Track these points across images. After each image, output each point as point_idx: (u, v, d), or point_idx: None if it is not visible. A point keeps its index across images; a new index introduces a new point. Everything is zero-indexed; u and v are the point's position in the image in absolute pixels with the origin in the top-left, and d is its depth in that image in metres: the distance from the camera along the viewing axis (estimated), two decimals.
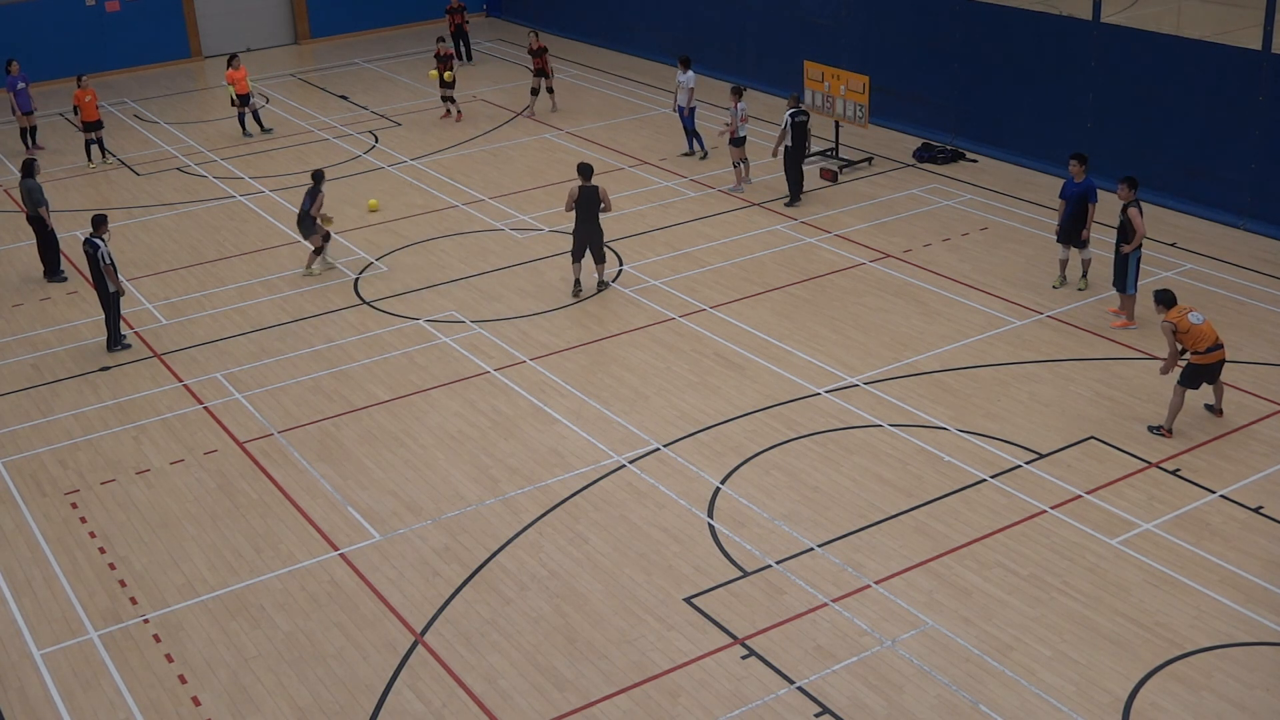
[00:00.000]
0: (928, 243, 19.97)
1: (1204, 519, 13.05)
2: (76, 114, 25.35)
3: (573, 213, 18.33)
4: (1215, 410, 14.79)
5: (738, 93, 21.97)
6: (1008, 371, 16.08)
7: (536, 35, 27.53)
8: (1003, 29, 23.23)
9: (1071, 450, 14.33)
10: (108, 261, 17.29)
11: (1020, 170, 22.94)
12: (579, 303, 18.41)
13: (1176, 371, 14.44)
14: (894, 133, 24.96)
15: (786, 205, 21.68)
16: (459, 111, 27.35)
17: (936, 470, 14.09)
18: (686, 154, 24.39)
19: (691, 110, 24.02)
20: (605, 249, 18.88)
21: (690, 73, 23.72)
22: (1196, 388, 14.46)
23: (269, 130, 27.17)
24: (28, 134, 26.47)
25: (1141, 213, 16.61)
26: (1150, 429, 14.57)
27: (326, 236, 19.67)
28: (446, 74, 27.01)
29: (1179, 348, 14.17)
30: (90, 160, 25.47)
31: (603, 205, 18.19)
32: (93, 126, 25.28)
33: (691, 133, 24.27)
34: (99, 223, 17.59)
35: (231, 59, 26.65)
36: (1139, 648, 11.36)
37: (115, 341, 17.68)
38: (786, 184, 21.87)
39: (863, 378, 16.06)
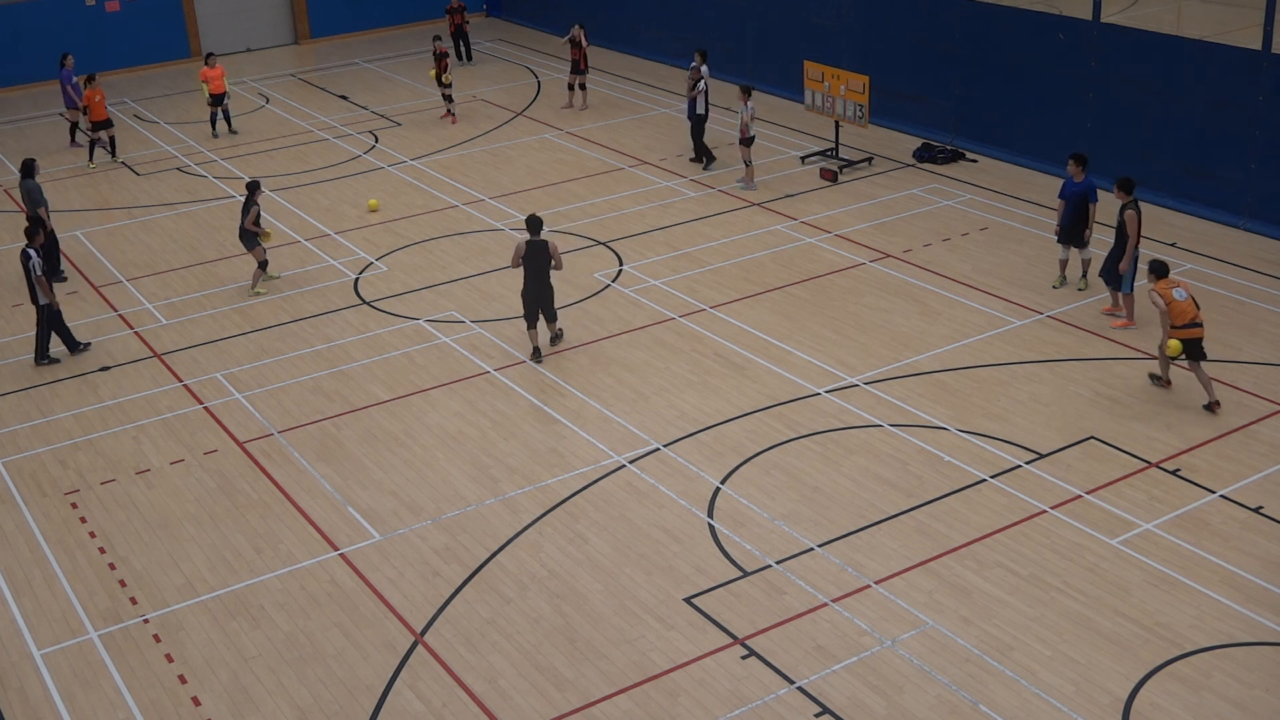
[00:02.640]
0: (928, 243, 19.97)
1: (1204, 519, 13.05)
2: (85, 113, 25.39)
3: (520, 269, 16.71)
4: (1211, 405, 14.81)
5: (746, 93, 22.05)
6: (1008, 371, 16.08)
7: (582, 29, 27.41)
8: (1003, 29, 23.23)
9: (1071, 450, 14.34)
10: (39, 273, 16.87)
11: (1020, 170, 22.94)
12: (579, 302, 18.41)
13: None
14: (894, 133, 24.96)
15: (705, 169, 23.55)
16: (454, 114, 27.33)
17: (936, 470, 14.09)
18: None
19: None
20: (556, 309, 17.01)
21: (704, 67, 23.86)
22: (1199, 359, 14.82)
23: (234, 133, 27.16)
24: (76, 130, 26.50)
25: (1140, 214, 16.58)
26: (1151, 377, 15.35)
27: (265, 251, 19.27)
28: (430, 71, 27.06)
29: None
30: (91, 160, 25.47)
31: (554, 263, 16.41)
32: (101, 125, 25.33)
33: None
34: (32, 232, 17.10)
35: (208, 57, 26.70)
36: (1139, 648, 11.36)
37: (44, 356, 17.37)
38: (695, 148, 23.73)
39: (863, 378, 16.06)
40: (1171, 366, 15.36)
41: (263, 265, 19.19)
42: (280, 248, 20.80)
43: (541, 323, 17.16)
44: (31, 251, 16.93)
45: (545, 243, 16.34)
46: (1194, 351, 14.73)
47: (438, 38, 27.88)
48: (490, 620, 12.12)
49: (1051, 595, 12.06)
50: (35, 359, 17.42)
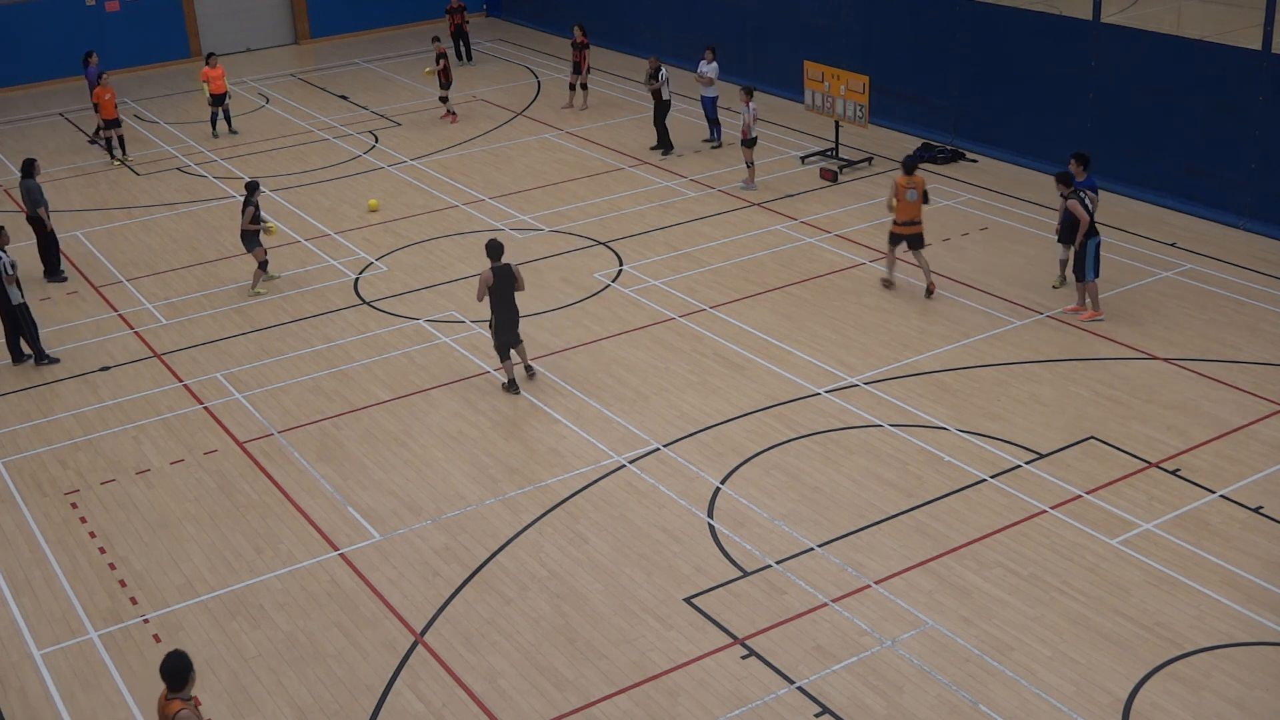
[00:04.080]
0: (928, 243, 19.94)
1: (1204, 519, 13.05)
2: (97, 111, 25.43)
3: (485, 300, 15.84)
4: (929, 289, 18.03)
5: (748, 94, 22.09)
6: (1008, 371, 16.08)
7: (582, 30, 27.42)
8: (1003, 29, 23.23)
9: (1071, 450, 14.34)
10: (10, 272, 16.80)
11: (1020, 170, 22.94)
12: (579, 302, 18.42)
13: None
14: (894, 133, 24.96)
15: (663, 155, 24.42)
16: (453, 114, 27.31)
17: (936, 470, 14.09)
18: (709, 140, 24.68)
19: (714, 99, 24.35)
20: (521, 333, 16.15)
21: (714, 63, 23.96)
22: (894, 246, 18.22)
23: (235, 133, 27.19)
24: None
25: (1084, 201, 16.81)
26: (882, 281, 18.32)
27: (266, 252, 19.39)
28: (427, 70, 27.01)
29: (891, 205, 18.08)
30: (113, 157, 25.56)
31: (517, 285, 15.69)
32: (112, 124, 25.37)
33: (714, 121, 24.50)
34: None
35: (209, 58, 26.74)
36: (1139, 648, 11.36)
37: (42, 355, 17.34)
38: (658, 137, 24.62)
39: (863, 378, 16.06)
40: (896, 271, 18.55)
41: (263, 265, 19.20)
42: (280, 248, 20.81)
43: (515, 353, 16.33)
44: (1, 253, 16.82)
45: (509, 266, 15.63)
46: (914, 242, 18.05)
47: (436, 38, 27.86)
48: (490, 620, 12.12)
49: (1051, 595, 12.06)
50: (35, 360, 17.42)
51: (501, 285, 15.60)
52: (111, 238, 21.91)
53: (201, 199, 23.58)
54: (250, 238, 18.89)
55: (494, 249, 15.64)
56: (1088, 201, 16.96)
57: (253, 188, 18.86)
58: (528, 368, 16.35)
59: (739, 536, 13.13)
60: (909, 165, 17.95)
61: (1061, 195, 17.13)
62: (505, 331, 15.83)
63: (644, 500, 13.81)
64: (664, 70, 24.29)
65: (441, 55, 26.84)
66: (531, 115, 27.59)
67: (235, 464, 14.93)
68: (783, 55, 27.28)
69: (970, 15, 23.60)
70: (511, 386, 16.10)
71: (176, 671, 8.92)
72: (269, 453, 15.12)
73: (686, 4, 29.96)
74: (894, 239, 18.21)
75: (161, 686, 11.44)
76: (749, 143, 22.20)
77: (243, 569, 13.06)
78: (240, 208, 19.03)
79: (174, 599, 12.64)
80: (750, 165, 22.43)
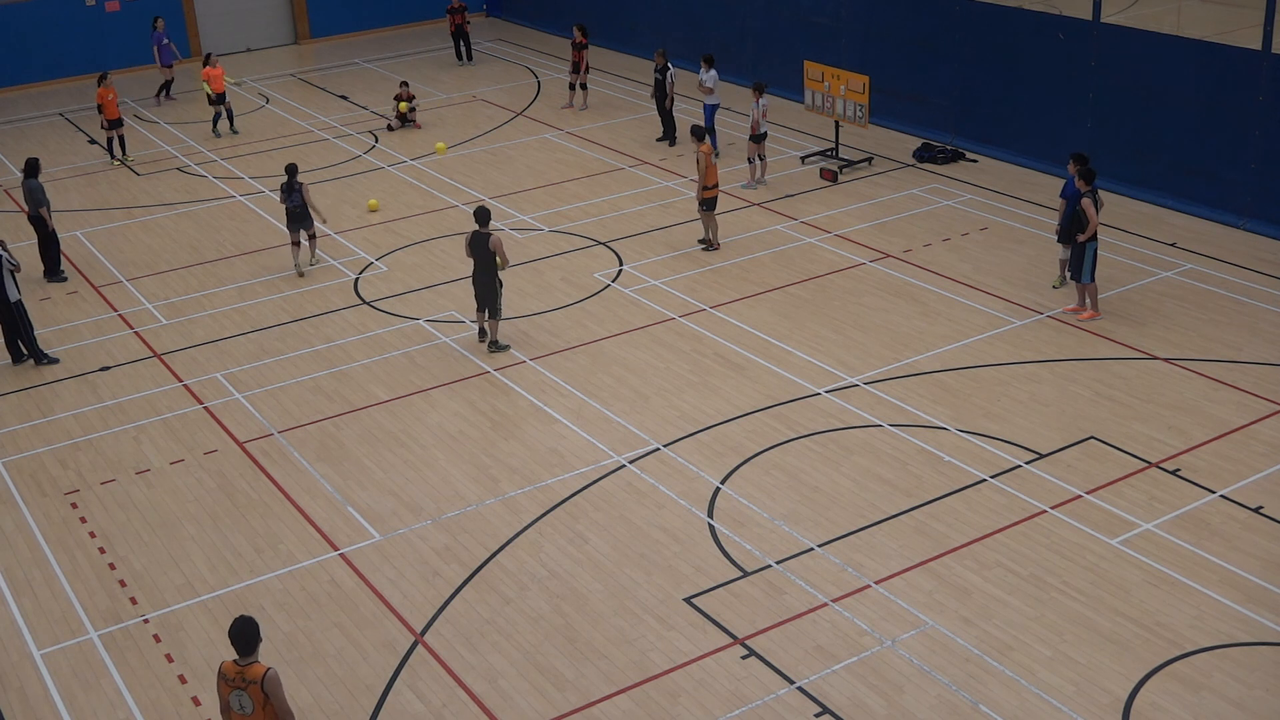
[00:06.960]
0: (928, 243, 19.97)
1: (1204, 519, 13.06)
2: (100, 112, 25.45)
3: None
4: (710, 243, 19.91)
5: (759, 90, 22.09)
6: (1008, 371, 16.08)
7: (582, 30, 27.42)
8: (1003, 29, 23.23)
9: (1071, 450, 14.34)
10: (12, 262, 16.88)
11: (1020, 170, 22.94)
12: (579, 302, 18.42)
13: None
14: (894, 133, 24.96)
15: (657, 140, 25.29)
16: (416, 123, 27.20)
17: (936, 470, 14.09)
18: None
19: (713, 108, 24.12)
20: (500, 305, 16.91)
21: (712, 71, 23.80)
22: (711, 210, 19.57)
23: (236, 132, 27.20)
24: (165, 88, 29.15)
25: (1097, 204, 16.74)
26: (700, 242, 19.86)
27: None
28: (403, 106, 26.88)
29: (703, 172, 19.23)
30: (113, 157, 25.58)
31: (498, 259, 16.49)
32: (115, 124, 25.39)
33: (710, 130, 24.38)
34: None
35: (208, 58, 26.80)
36: (1139, 648, 11.36)
37: (41, 356, 17.35)
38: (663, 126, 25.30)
39: (863, 378, 16.07)
40: (719, 233, 19.98)
41: (312, 238, 19.89)
42: (281, 248, 20.81)
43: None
44: (2, 252, 16.88)
45: (488, 235, 16.45)
46: (710, 205, 19.55)
47: (405, 82, 27.58)
48: (490, 620, 12.12)
49: (1051, 595, 12.06)
50: (34, 360, 17.41)
51: (475, 249, 16.53)
52: (111, 238, 21.92)
53: (201, 199, 23.58)
54: (306, 217, 19.43)
55: (479, 214, 16.62)
56: (1100, 202, 16.92)
57: (293, 170, 19.55)
58: (492, 341, 17.10)
59: (739, 536, 13.13)
60: (700, 133, 19.65)
61: (1079, 191, 16.87)
62: (476, 291, 16.88)
63: (644, 500, 13.82)
64: (671, 70, 24.56)
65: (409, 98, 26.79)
66: (531, 115, 27.59)
67: (235, 464, 14.93)
68: (783, 55, 27.28)
69: (970, 15, 23.59)
70: (481, 335, 17.27)
71: (249, 637, 9.02)
72: (269, 453, 15.12)
73: (687, 4, 29.96)
74: (710, 203, 19.56)
75: (164, 689, 11.46)
76: (757, 138, 22.17)
77: (243, 569, 13.06)
78: (283, 193, 19.49)
79: (174, 599, 12.65)
80: (752, 162, 22.38)
